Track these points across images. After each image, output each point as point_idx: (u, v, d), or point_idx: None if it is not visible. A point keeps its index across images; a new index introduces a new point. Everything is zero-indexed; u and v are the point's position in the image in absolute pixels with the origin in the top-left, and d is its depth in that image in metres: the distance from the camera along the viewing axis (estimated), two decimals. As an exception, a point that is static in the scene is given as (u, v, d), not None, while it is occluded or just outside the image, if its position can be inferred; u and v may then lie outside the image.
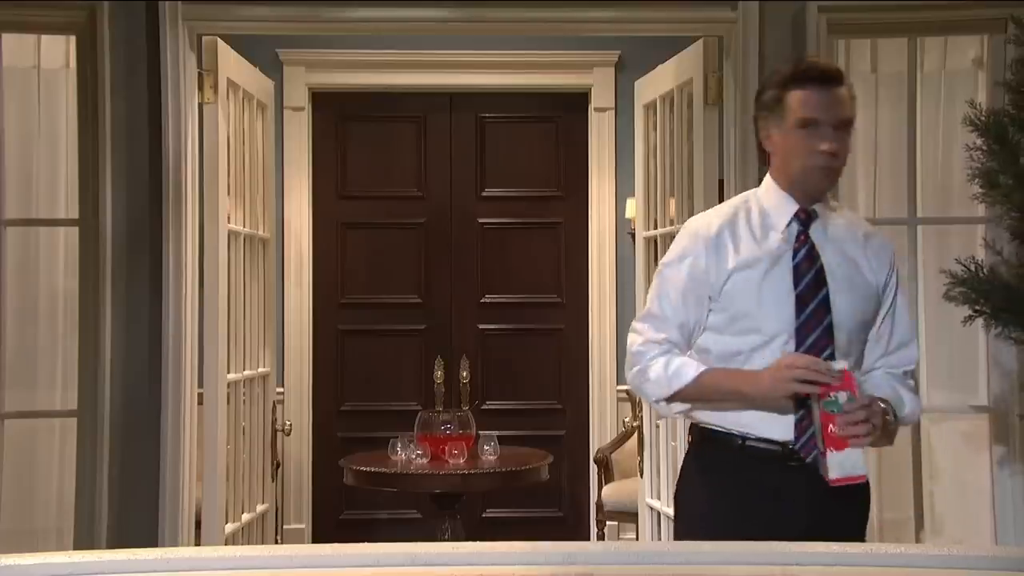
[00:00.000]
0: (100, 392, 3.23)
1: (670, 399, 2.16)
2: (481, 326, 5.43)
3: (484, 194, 5.48)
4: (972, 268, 2.67)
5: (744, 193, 2.29)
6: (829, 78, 2.13)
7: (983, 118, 2.69)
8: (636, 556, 1.71)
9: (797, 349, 2.07)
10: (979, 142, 2.71)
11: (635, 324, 2.24)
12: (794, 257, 2.12)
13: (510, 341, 5.41)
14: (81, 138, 3.28)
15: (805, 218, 2.15)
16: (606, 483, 4.78)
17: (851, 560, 1.68)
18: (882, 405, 2.04)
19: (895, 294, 2.21)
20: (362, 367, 5.40)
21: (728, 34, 3.34)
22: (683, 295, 2.17)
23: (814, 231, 2.15)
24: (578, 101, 5.42)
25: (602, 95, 5.33)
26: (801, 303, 2.09)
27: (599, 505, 4.75)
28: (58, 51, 3.44)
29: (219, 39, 3.50)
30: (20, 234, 3.41)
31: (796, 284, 2.10)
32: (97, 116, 3.24)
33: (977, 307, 2.62)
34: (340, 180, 5.44)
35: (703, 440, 2.21)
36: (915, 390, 2.21)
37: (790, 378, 1.99)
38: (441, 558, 1.69)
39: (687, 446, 2.28)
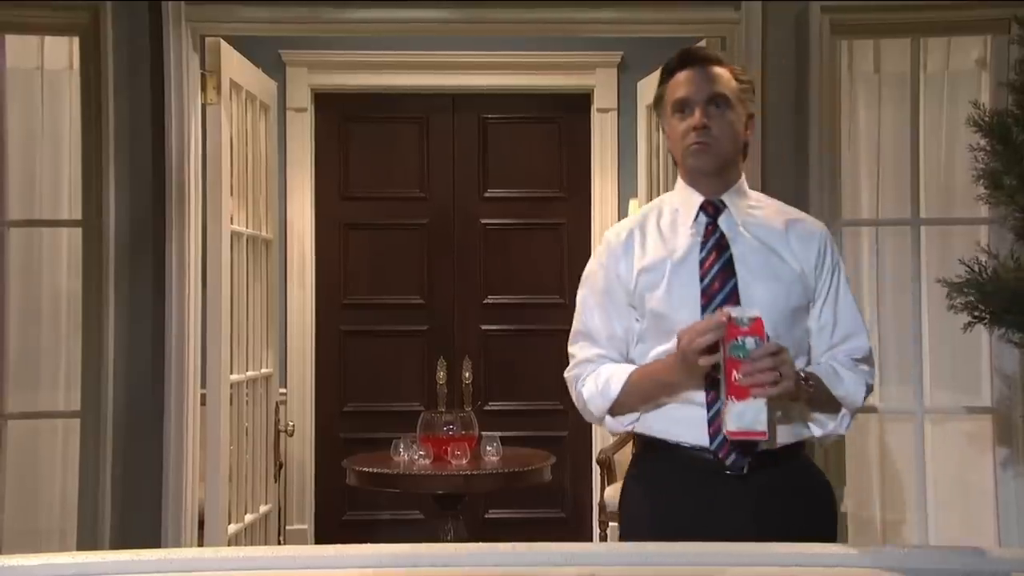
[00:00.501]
0: (103, 393, 3.23)
1: (612, 412, 2.08)
2: (483, 327, 5.43)
3: (486, 195, 5.48)
4: (975, 269, 2.66)
5: (660, 197, 2.27)
6: (697, 59, 2.11)
7: (987, 119, 2.68)
8: (638, 557, 1.71)
9: None
10: (983, 143, 2.70)
11: (569, 348, 2.16)
12: (701, 250, 2.06)
13: (512, 342, 5.41)
14: (84, 139, 3.28)
15: (712, 210, 2.10)
16: (608, 484, 4.78)
17: (853, 561, 1.67)
18: (790, 355, 1.91)
19: (833, 281, 2.12)
20: (365, 368, 5.40)
21: (731, 35, 3.34)
22: (604, 305, 2.11)
23: (724, 222, 2.09)
24: (580, 102, 5.42)
25: (604, 96, 5.33)
26: (707, 296, 2.02)
27: (601, 506, 4.74)
28: (61, 52, 3.44)
29: (222, 40, 3.51)
30: (23, 235, 3.41)
31: (702, 278, 2.04)
32: (100, 117, 3.24)
33: (977, 313, 2.61)
34: (342, 181, 5.45)
35: (643, 448, 2.13)
36: (866, 375, 2.09)
37: (692, 351, 1.88)
38: (444, 559, 1.69)
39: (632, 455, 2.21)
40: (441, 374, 4.39)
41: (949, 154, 3.43)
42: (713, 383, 1.95)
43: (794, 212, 2.21)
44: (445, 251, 5.45)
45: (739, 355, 1.84)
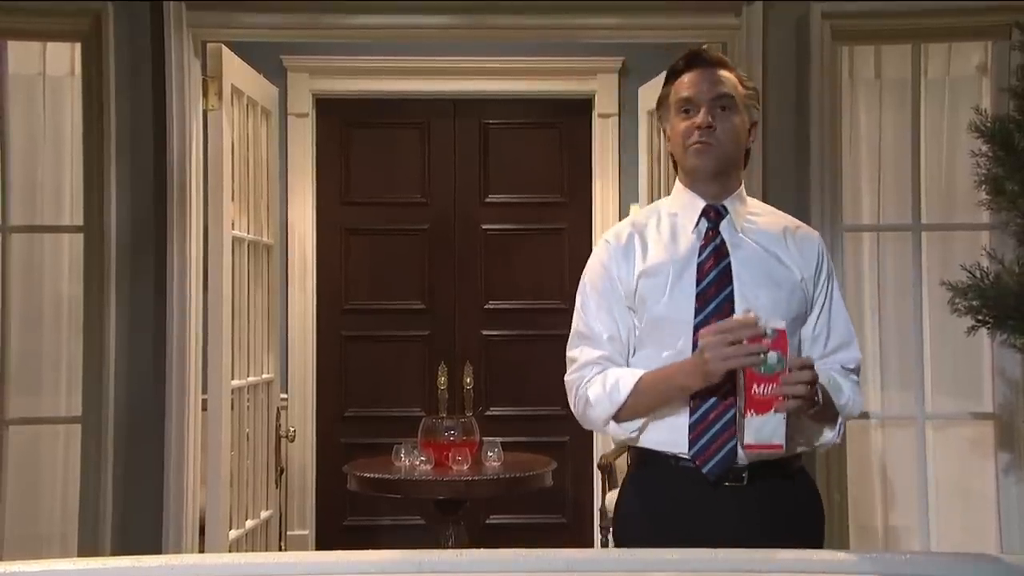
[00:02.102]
0: (104, 398, 3.23)
1: (617, 417, 2.03)
2: (485, 332, 5.43)
3: (488, 200, 5.48)
4: (977, 275, 2.67)
5: (657, 201, 2.25)
6: (703, 60, 2.11)
7: (988, 124, 2.69)
8: (640, 563, 1.71)
9: (693, 348, 1.97)
10: (984, 148, 2.70)
11: (568, 352, 2.13)
12: (700, 255, 2.05)
13: (514, 347, 5.41)
14: (86, 144, 3.29)
15: (714, 215, 2.09)
16: (609, 489, 4.77)
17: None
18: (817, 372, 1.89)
19: (829, 289, 2.11)
20: (366, 373, 5.40)
21: (732, 40, 3.34)
22: (605, 306, 2.09)
23: (725, 228, 2.08)
24: (582, 107, 5.42)
25: (606, 101, 5.34)
26: (701, 299, 2.01)
27: (602, 511, 4.74)
28: (63, 58, 3.44)
29: (223, 46, 3.52)
30: (25, 240, 3.41)
31: (699, 282, 2.03)
32: (102, 122, 3.25)
33: (980, 317, 2.61)
34: (344, 186, 5.45)
35: (639, 460, 2.11)
36: (857, 384, 2.09)
37: (720, 357, 1.85)
38: (445, 565, 1.69)
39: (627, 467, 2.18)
40: (442, 379, 4.38)
41: (950, 159, 3.43)
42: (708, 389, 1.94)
43: (791, 220, 2.21)
44: (446, 256, 5.45)
45: (760, 370, 1.81)
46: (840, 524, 3.21)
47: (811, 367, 1.87)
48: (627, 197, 5.20)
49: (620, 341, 2.09)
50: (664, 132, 2.20)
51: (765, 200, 3.23)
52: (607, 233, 2.19)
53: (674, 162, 2.18)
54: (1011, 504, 3.27)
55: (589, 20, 3.40)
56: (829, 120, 3.28)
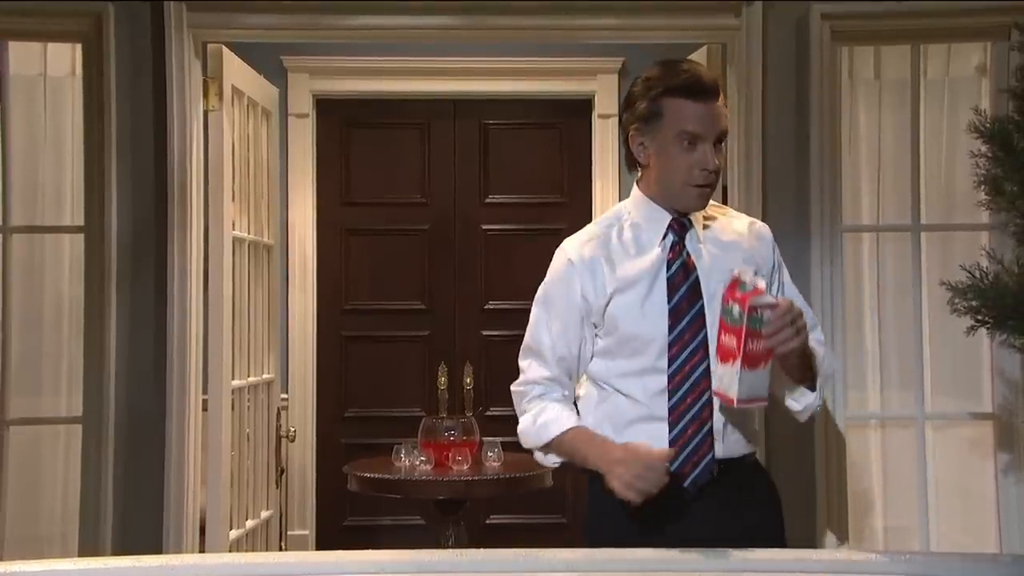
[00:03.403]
0: (104, 398, 3.23)
1: (543, 450, 2.09)
2: (485, 332, 5.43)
3: (488, 200, 5.49)
4: (977, 275, 2.67)
5: (616, 207, 2.23)
6: (710, 91, 2.04)
7: (988, 125, 2.69)
8: (639, 564, 1.72)
9: (669, 365, 2.01)
10: (984, 149, 2.70)
11: (519, 360, 2.16)
12: (668, 269, 2.06)
13: (513, 347, 5.30)
14: (87, 145, 3.29)
15: (680, 228, 2.09)
16: (609, 489, 4.77)
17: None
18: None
19: (783, 277, 2.15)
20: (366, 373, 5.40)
21: (731, 41, 3.35)
22: (559, 326, 2.10)
23: (689, 240, 2.09)
24: (582, 107, 5.42)
25: (606, 102, 5.34)
26: (675, 315, 2.03)
27: (602, 512, 4.74)
28: (64, 59, 3.45)
29: (224, 46, 3.52)
30: (25, 240, 3.41)
31: (670, 298, 2.04)
32: (102, 123, 3.25)
33: (979, 317, 2.61)
34: (344, 186, 5.46)
35: None
36: (824, 344, 2.12)
37: (624, 484, 1.87)
38: (445, 565, 1.70)
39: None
40: (442, 379, 4.39)
41: (949, 160, 3.43)
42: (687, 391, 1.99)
43: (741, 216, 2.23)
44: (446, 256, 5.46)
45: (755, 326, 1.86)
46: (840, 524, 3.21)
47: (792, 308, 1.89)
48: (626, 197, 5.20)
49: (569, 363, 2.10)
50: (633, 138, 2.10)
51: (764, 201, 3.26)
52: (568, 248, 2.16)
53: (632, 163, 2.13)
54: (1011, 504, 3.27)
55: (589, 21, 3.40)
56: (829, 121, 3.28)
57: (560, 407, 2.09)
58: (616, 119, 5.32)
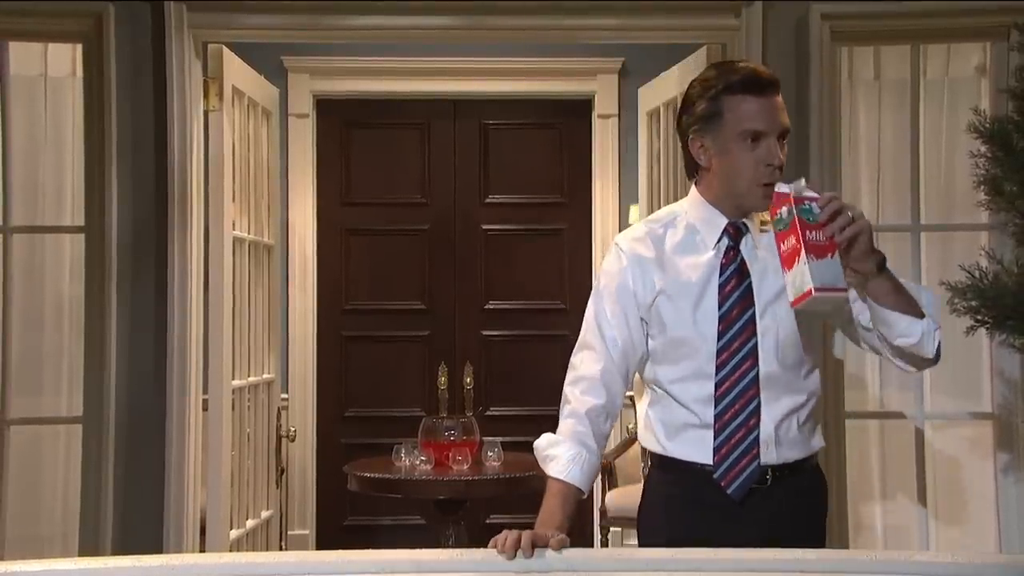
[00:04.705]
0: (105, 398, 3.24)
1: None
2: (484, 332, 5.43)
3: (488, 200, 5.49)
4: (976, 275, 2.67)
5: (670, 207, 2.17)
6: (770, 86, 2.00)
7: (987, 125, 2.69)
8: (640, 563, 1.72)
9: (717, 372, 1.97)
10: (983, 149, 2.71)
11: (572, 358, 2.09)
12: (721, 275, 2.00)
13: (513, 347, 5.41)
14: (87, 145, 3.29)
15: (735, 233, 2.03)
16: (609, 489, 4.78)
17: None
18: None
19: None
20: (366, 373, 5.40)
21: (731, 41, 3.35)
22: (619, 308, 2.04)
23: (744, 245, 2.03)
24: (581, 108, 5.42)
25: (605, 102, 5.34)
26: (725, 322, 1.98)
27: (602, 511, 4.74)
28: (65, 59, 3.45)
29: (224, 46, 3.52)
30: (26, 240, 3.42)
31: (721, 303, 1.99)
32: (103, 123, 3.25)
33: (979, 317, 2.62)
34: (344, 186, 5.46)
35: (656, 465, 2.10)
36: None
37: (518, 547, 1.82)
38: (445, 565, 1.70)
39: (647, 469, 2.18)
40: (442, 379, 4.39)
41: (949, 160, 3.44)
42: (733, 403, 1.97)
43: None
44: (446, 256, 5.46)
45: (808, 218, 1.83)
46: (840, 524, 3.22)
47: (836, 197, 1.86)
48: (627, 198, 5.21)
49: (627, 345, 2.04)
50: (694, 141, 2.04)
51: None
52: (621, 241, 2.10)
53: (692, 167, 2.08)
54: (1010, 504, 3.27)
55: (589, 21, 3.40)
56: (829, 121, 3.28)
57: (571, 450, 2.07)
58: (616, 119, 5.32)
